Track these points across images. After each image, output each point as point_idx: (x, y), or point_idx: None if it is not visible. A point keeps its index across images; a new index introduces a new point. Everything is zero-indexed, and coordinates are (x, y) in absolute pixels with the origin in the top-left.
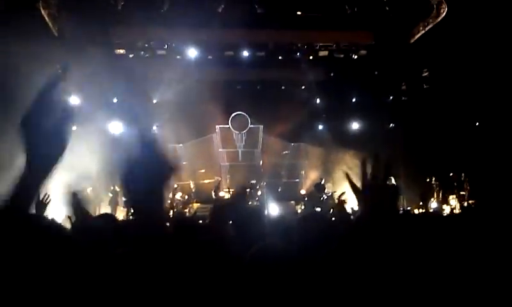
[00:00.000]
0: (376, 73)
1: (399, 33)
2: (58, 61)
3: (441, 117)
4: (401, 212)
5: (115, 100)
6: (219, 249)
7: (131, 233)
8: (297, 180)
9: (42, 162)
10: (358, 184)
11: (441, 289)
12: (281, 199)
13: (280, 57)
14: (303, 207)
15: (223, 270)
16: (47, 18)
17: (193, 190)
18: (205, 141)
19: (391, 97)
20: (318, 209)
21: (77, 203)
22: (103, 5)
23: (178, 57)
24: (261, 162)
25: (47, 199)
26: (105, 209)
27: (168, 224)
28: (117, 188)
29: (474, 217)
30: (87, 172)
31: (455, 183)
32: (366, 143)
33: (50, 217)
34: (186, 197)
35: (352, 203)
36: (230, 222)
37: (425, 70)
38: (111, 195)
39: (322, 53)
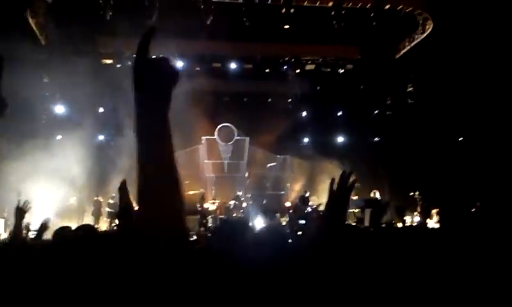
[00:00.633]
0: (362, 87)
1: (385, 48)
2: (45, 69)
3: (425, 131)
4: (384, 225)
5: (101, 110)
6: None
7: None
8: (283, 192)
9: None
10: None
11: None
12: (266, 211)
13: (267, 70)
14: (287, 219)
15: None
16: (34, 27)
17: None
18: (190, 152)
19: (376, 111)
20: (302, 221)
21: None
22: (91, 15)
23: None
24: (246, 174)
25: (27, 206)
26: (88, 219)
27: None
28: (100, 199)
29: (455, 231)
30: (71, 181)
31: (437, 198)
32: (351, 156)
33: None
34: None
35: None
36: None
37: (410, 85)
38: (93, 206)
39: (309, 66)
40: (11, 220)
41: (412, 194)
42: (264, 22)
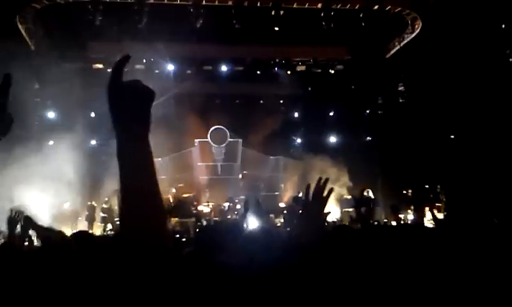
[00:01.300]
0: (353, 87)
1: (375, 48)
2: (36, 75)
3: (417, 130)
4: (376, 223)
5: (93, 115)
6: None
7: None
8: (277, 193)
9: None
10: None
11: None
12: (260, 212)
13: (258, 72)
14: (282, 220)
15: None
16: (24, 33)
17: (172, 205)
18: (183, 155)
19: (367, 111)
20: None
21: (26, 222)
22: (81, 20)
23: (156, 71)
24: (240, 176)
25: (18, 216)
26: (82, 224)
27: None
28: (94, 204)
29: (448, 229)
30: (64, 187)
31: (430, 195)
32: (343, 156)
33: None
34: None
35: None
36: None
37: (401, 84)
38: (87, 211)
39: (300, 68)
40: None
41: (405, 192)
42: (254, 24)
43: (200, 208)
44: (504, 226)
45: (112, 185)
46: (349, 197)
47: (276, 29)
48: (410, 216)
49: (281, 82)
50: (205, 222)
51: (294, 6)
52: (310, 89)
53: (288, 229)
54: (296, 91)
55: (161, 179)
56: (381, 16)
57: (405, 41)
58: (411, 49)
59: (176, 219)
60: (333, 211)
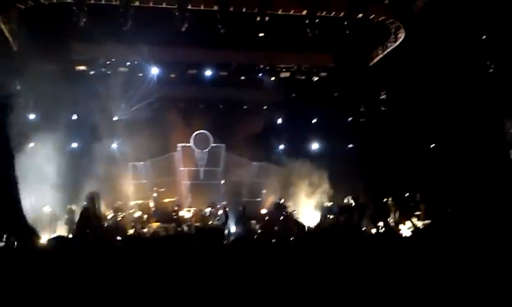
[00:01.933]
0: (336, 94)
1: (358, 56)
2: (18, 76)
3: (398, 138)
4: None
5: (74, 117)
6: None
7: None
8: (259, 199)
9: None
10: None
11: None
12: (241, 218)
13: (242, 77)
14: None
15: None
16: (6, 33)
17: (152, 209)
18: (166, 159)
19: (350, 118)
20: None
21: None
22: (64, 21)
23: (140, 74)
24: (222, 181)
25: None
26: (61, 228)
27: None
28: (74, 207)
29: (427, 237)
30: (44, 190)
31: (410, 204)
32: (326, 163)
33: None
34: (145, 216)
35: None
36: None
37: (383, 92)
38: (67, 215)
39: (284, 74)
40: None
41: (385, 200)
42: (239, 30)
43: (181, 213)
44: (484, 232)
45: (93, 188)
46: (330, 204)
47: (261, 35)
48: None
49: (265, 88)
50: (186, 228)
51: (279, 12)
52: (293, 95)
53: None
54: (279, 97)
55: (142, 183)
56: (365, 25)
57: (388, 50)
58: (394, 58)
59: (158, 223)
60: (314, 217)
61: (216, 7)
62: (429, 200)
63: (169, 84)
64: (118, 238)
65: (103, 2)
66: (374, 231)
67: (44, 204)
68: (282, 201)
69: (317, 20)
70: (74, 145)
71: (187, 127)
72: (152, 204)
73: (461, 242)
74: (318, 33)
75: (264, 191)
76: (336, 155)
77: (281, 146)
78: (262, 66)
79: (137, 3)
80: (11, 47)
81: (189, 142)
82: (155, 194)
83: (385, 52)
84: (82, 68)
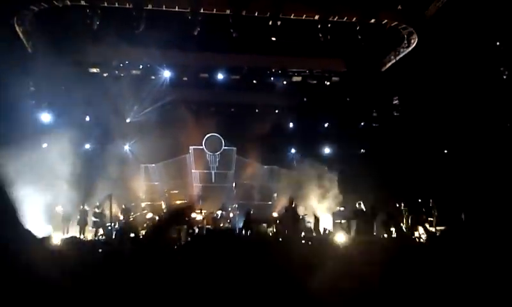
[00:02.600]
0: (348, 99)
1: (371, 62)
2: (32, 77)
3: (411, 144)
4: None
5: (87, 119)
6: None
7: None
8: (270, 202)
9: None
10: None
11: None
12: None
13: (254, 81)
14: (274, 230)
15: None
16: (21, 35)
17: (164, 211)
18: (178, 161)
19: (362, 123)
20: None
21: None
22: (78, 24)
23: (152, 77)
24: (234, 184)
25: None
26: (73, 228)
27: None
28: (86, 208)
29: (443, 243)
30: (57, 191)
31: (423, 209)
32: (337, 167)
33: None
34: (157, 217)
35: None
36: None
37: (396, 97)
38: (79, 216)
39: (296, 78)
40: None
41: (398, 205)
42: (251, 34)
43: (192, 215)
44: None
45: (105, 189)
46: (342, 208)
47: (273, 39)
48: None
49: (277, 92)
50: (197, 230)
51: (292, 16)
52: (305, 99)
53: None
54: (291, 102)
55: (154, 185)
56: (378, 30)
57: (401, 55)
58: (406, 63)
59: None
60: (326, 222)
61: (228, 12)
62: (442, 206)
63: (181, 87)
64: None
65: (116, 5)
66: (386, 236)
67: (57, 203)
68: (293, 204)
69: (329, 25)
70: (87, 146)
71: (199, 130)
72: (163, 205)
73: (477, 248)
74: (330, 38)
75: (275, 195)
76: (348, 160)
77: (293, 150)
78: (273, 70)
79: (150, 6)
80: (25, 49)
81: (200, 145)
82: (166, 196)
83: (398, 58)
84: (95, 70)
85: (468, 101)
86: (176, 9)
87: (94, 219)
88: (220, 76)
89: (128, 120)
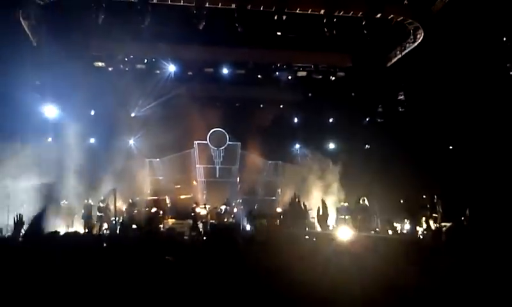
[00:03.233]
0: (353, 94)
1: (376, 57)
2: (37, 71)
3: (416, 139)
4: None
5: (92, 113)
6: None
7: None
8: (274, 197)
9: None
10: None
11: None
12: (254, 217)
13: (259, 76)
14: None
15: None
16: (26, 29)
17: (168, 206)
18: (182, 156)
19: (367, 118)
20: None
21: None
22: (83, 18)
23: (157, 71)
24: (238, 179)
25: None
26: (78, 222)
27: None
28: (91, 202)
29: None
30: (62, 185)
31: (427, 205)
32: (342, 163)
33: None
34: (161, 212)
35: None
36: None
37: (401, 93)
38: (83, 210)
39: (301, 73)
40: None
41: (402, 201)
42: (256, 28)
43: (197, 210)
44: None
45: (109, 183)
46: (346, 204)
47: (279, 33)
48: (406, 226)
49: (282, 86)
50: (201, 225)
51: (297, 11)
52: (310, 94)
53: None
54: (296, 97)
55: (159, 179)
56: (383, 25)
57: (406, 50)
58: (412, 59)
59: (173, 219)
60: (330, 217)
61: (233, 6)
62: (447, 202)
63: (186, 82)
64: None
65: None
66: (390, 232)
67: (61, 198)
68: (298, 199)
69: (334, 20)
70: (92, 140)
71: (204, 124)
72: (167, 200)
73: (483, 244)
74: (336, 33)
75: (279, 190)
76: (353, 155)
77: (297, 145)
78: (279, 65)
79: (155, 0)
80: (30, 43)
81: (205, 140)
82: (171, 190)
83: (403, 53)
84: (100, 64)
85: (473, 97)
86: (182, 3)
87: (98, 213)
88: (225, 70)
89: (133, 114)
